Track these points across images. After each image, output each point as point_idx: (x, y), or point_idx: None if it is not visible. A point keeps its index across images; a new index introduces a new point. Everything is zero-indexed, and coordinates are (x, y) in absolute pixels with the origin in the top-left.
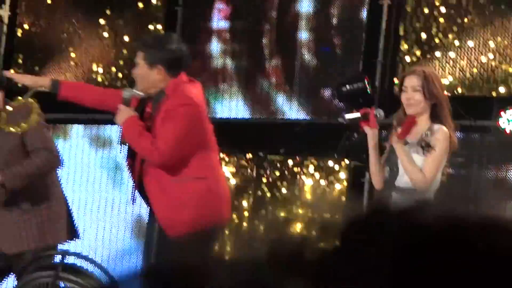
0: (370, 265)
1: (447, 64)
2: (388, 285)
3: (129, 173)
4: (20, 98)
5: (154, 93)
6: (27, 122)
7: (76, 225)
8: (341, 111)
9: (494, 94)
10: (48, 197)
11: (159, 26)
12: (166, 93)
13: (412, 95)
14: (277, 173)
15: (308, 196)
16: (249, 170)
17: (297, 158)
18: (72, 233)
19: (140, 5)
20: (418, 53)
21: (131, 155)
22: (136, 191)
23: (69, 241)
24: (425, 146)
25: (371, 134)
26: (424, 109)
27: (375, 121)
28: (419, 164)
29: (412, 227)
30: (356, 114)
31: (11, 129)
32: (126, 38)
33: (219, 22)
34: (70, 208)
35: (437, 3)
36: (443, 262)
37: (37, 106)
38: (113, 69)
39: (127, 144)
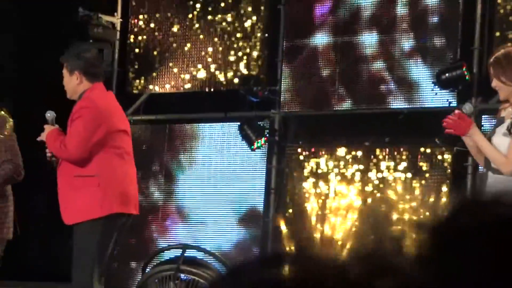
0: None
1: None
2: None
3: None
4: None
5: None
6: (6, 130)
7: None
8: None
9: None
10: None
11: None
12: (82, 97)
13: (493, 83)
14: (386, 160)
15: (416, 181)
16: (359, 158)
17: (403, 145)
18: (15, 231)
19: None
20: None
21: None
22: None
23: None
24: (511, 129)
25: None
26: (509, 93)
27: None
28: (506, 147)
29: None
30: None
31: None
32: (233, 40)
33: (320, 18)
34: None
35: None
36: None
37: (8, 116)
38: (214, 68)
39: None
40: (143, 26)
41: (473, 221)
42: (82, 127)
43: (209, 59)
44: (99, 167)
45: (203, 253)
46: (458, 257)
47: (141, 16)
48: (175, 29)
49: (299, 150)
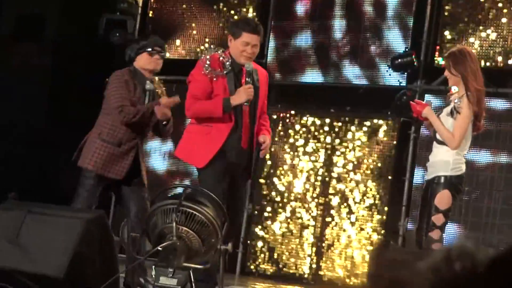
0: None
1: (476, 42)
2: None
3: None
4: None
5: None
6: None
7: None
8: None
9: None
10: None
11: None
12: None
13: (445, 73)
14: (347, 125)
15: (367, 139)
16: (326, 123)
17: (360, 114)
18: None
19: None
20: (453, 34)
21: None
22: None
23: None
24: (454, 111)
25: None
26: (456, 82)
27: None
28: (451, 124)
29: None
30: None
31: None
32: (232, 13)
33: (301, 8)
34: None
35: None
36: None
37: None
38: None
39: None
40: (159, 4)
41: (465, 266)
42: None
43: (210, 33)
44: None
45: (200, 192)
46: None
47: None
48: (183, 7)
49: (279, 113)
